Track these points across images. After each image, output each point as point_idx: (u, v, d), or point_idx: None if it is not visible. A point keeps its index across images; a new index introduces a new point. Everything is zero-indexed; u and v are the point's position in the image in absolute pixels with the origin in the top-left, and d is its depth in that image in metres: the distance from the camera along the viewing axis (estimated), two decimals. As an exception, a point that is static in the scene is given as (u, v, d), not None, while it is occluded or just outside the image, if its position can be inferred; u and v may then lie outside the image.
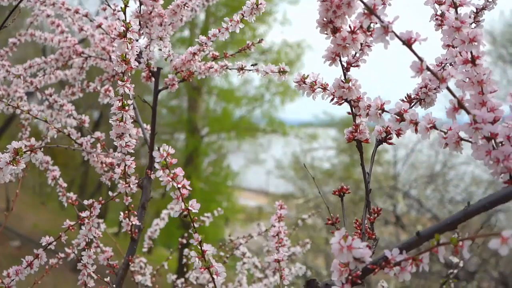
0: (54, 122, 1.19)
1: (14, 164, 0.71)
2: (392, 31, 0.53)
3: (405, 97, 0.73)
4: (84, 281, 1.00)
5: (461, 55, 0.59)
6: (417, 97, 0.72)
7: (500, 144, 0.56)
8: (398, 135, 0.72)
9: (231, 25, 0.95)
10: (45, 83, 1.37)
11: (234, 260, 1.47)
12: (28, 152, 0.71)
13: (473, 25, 0.76)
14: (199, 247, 0.69)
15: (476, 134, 0.54)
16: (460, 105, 0.55)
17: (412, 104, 0.73)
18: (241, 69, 1.01)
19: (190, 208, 0.67)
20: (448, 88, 0.54)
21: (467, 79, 0.58)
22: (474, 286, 5.53)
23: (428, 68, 0.53)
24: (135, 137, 1.19)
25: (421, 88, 0.72)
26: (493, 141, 0.56)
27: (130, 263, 1.06)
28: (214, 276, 0.69)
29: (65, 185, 1.16)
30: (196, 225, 0.70)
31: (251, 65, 1.00)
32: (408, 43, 0.54)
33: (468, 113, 0.54)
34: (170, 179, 0.66)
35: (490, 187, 6.83)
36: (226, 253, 1.42)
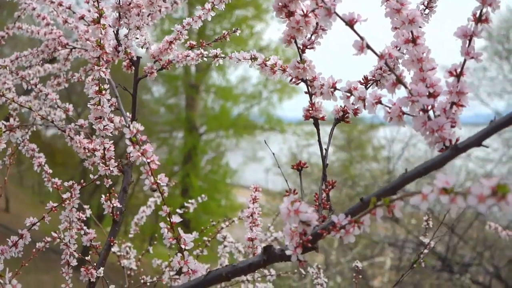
0: (39, 111, 1.23)
1: (-5, 144, 0.76)
2: (335, 13, 0.58)
3: (362, 79, 0.78)
4: (67, 260, 1.05)
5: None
6: (373, 78, 0.77)
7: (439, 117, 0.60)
8: (355, 114, 0.76)
9: (203, 13, 1.00)
10: (34, 75, 1.42)
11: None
12: (7, 132, 0.76)
13: (427, 10, 0.80)
14: (168, 219, 0.74)
15: (413, 107, 0.59)
16: (398, 80, 0.59)
17: (369, 85, 0.78)
18: (215, 56, 1.06)
19: (159, 181, 0.72)
20: (387, 65, 0.59)
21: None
22: (467, 279, 5.58)
23: (368, 46, 0.58)
24: (118, 125, 1.24)
25: (376, 69, 0.77)
26: (431, 113, 0.61)
27: (112, 244, 1.10)
28: (182, 246, 0.74)
29: (50, 171, 1.20)
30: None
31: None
32: (350, 23, 0.58)
33: (406, 87, 0.59)
34: (140, 154, 0.71)
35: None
36: (208, 237, 1.47)
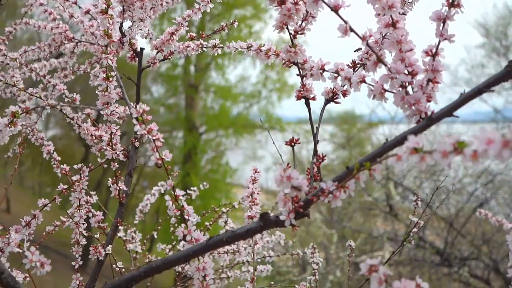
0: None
1: (12, 126, 0.82)
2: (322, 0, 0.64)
3: (350, 62, 0.84)
4: (77, 239, 1.11)
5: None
6: (361, 62, 0.83)
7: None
8: (344, 95, 0.83)
9: (202, 5, 1.07)
10: (40, 69, 1.48)
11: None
12: (24, 114, 0.82)
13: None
14: (173, 192, 0.80)
15: (393, 83, 0.65)
16: (379, 59, 0.66)
17: (357, 68, 0.84)
18: (214, 46, 1.12)
19: (163, 157, 0.79)
20: (368, 45, 0.66)
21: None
22: (465, 272, 5.65)
23: (351, 29, 0.65)
24: (123, 115, 1.31)
25: (364, 54, 0.83)
26: (410, 89, 0.67)
27: (118, 224, 1.17)
28: (186, 217, 0.80)
29: (59, 158, 1.26)
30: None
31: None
32: (335, 9, 0.65)
33: (386, 65, 0.66)
34: (146, 132, 0.77)
35: (481, 175, 6.96)
36: (209, 221, 1.54)
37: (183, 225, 0.81)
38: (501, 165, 8.25)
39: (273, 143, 1.17)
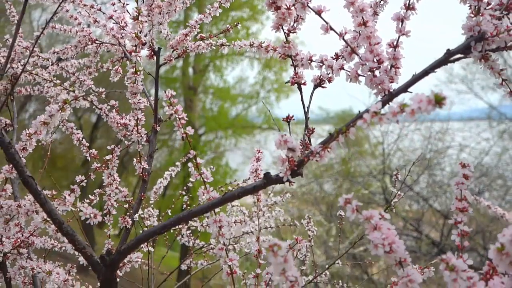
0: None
1: (62, 111, 1.02)
2: (308, 6, 0.84)
3: (334, 54, 1.04)
4: (108, 209, 1.31)
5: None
6: (342, 54, 1.04)
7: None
8: (329, 81, 1.03)
9: (212, 10, 1.27)
10: (67, 68, 1.69)
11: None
12: (74, 101, 1.03)
13: (382, 2, 1.07)
14: (194, 161, 1.01)
15: (364, 69, 0.86)
16: (352, 50, 0.86)
17: (339, 59, 1.04)
18: (222, 45, 1.33)
19: (187, 131, 0.99)
20: (344, 40, 0.86)
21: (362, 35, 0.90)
22: (460, 261, 5.84)
23: (331, 28, 0.85)
24: (142, 107, 1.51)
25: (344, 48, 1.04)
26: (377, 72, 0.88)
27: (142, 198, 1.37)
28: (205, 180, 1.01)
29: (87, 144, 1.46)
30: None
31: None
32: (318, 12, 0.85)
33: (357, 55, 0.86)
34: (173, 112, 0.98)
35: (475, 169, 7.19)
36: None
37: (202, 186, 1.01)
38: (495, 159, 8.47)
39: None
